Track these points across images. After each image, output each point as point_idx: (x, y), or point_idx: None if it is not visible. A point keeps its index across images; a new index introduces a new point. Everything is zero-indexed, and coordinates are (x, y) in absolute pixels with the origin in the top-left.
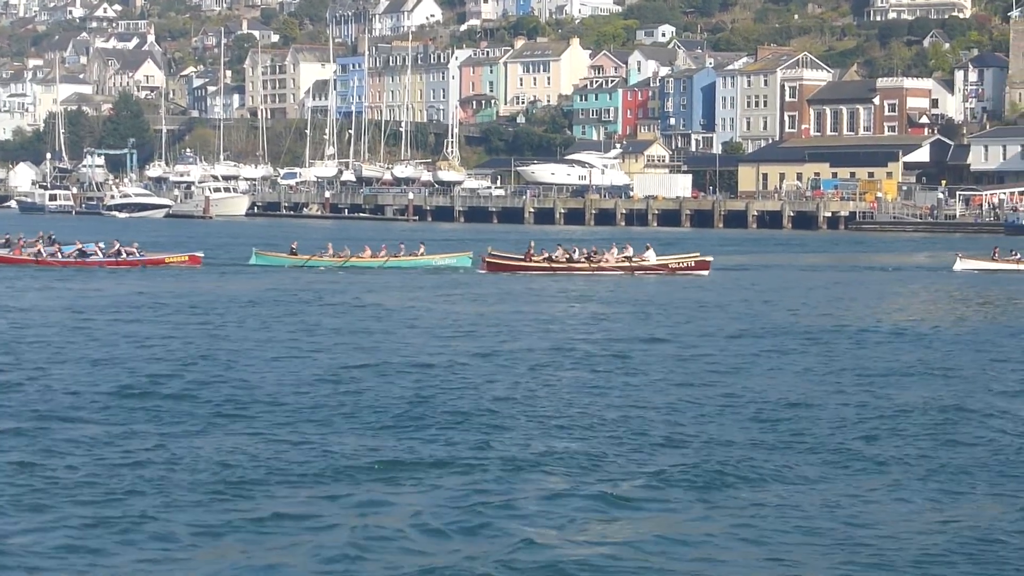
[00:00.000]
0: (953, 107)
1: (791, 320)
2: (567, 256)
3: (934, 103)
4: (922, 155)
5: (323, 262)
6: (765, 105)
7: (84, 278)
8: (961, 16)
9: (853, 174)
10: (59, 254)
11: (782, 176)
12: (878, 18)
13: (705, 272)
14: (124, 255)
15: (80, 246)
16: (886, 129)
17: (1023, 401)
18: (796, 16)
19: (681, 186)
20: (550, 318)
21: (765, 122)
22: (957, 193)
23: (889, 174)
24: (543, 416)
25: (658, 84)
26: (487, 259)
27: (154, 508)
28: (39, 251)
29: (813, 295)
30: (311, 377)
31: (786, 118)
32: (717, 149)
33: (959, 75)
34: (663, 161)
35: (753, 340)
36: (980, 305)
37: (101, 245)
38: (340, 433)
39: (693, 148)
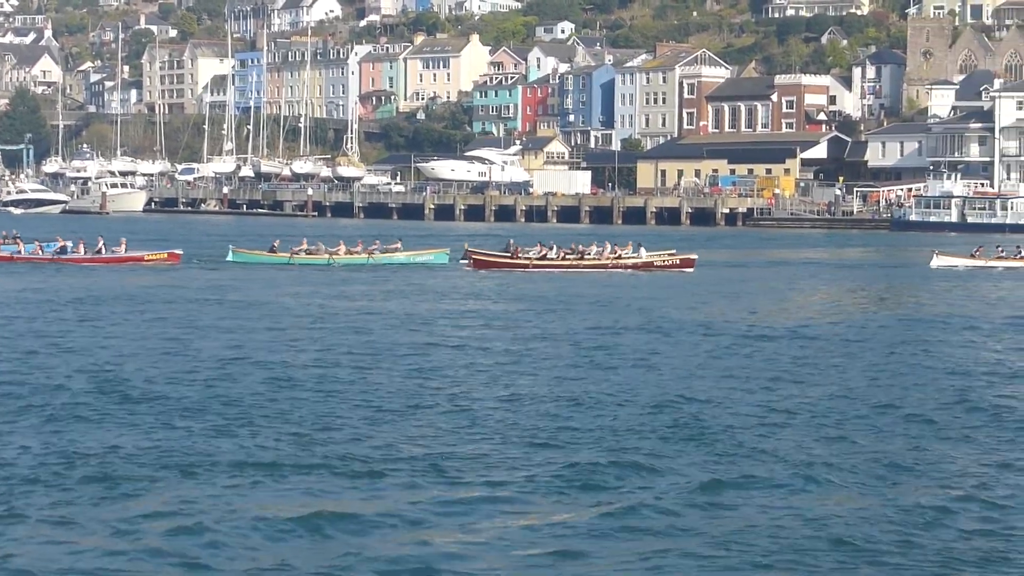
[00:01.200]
0: (851, 104)
1: (725, 317)
2: (560, 253)
3: (832, 100)
4: (820, 152)
5: (306, 260)
6: (664, 102)
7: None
8: (859, 13)
9: (751, 171)
10: (40, 251)
11: (680, 173)
12: (776, 15)
13: (690, 269)
14: (109, 252)
15: (62, 243)
16: (784, 126)
17: (914, 397)
18: (695, 13)
19: (580, 183)
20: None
21: (664, 119)
22: (854, 189)
23: (787, 171)
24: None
25: (557, 81)
26: (474, 256)
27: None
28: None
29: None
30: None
31: (685, 115)
32: (616, 146)
33: (857, 72)
34: (563, 158)
35: (671, 337)
36: (893, 299)
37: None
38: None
39: (592, 145)
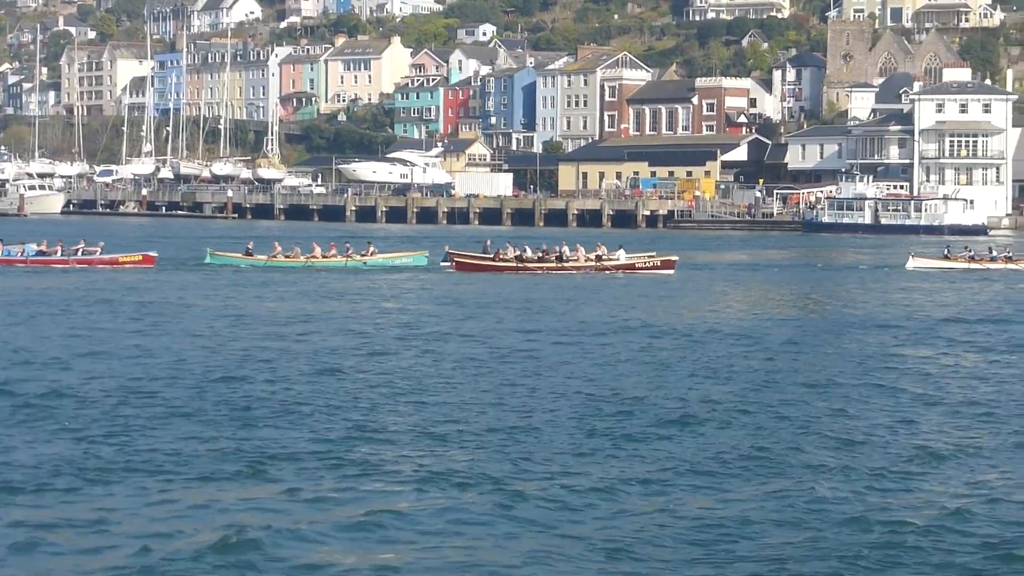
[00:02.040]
0: (771, 106)
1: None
2: (538, 255)
3: (752, 102)
4: (740, 154)
5: (284, 263)
6: (585, 104)
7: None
8: (779, 16)
9: (672, 173)
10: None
11: (602, 175)
12: (697, 18)
13: (671, 271)
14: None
15: (42, 246)
16: (704, 128)
17: (814, 396)
18: (616, 16)
19: (502, 185)
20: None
21: (585, 121)
22: (774, 192)
23: (707, 173)
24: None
25: (479, 83)
26: (456, 258)
27: None
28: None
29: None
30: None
31: (606, 117)
32: (538, 148)
33: (777, 75)
34: (484, 160)
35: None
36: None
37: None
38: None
39: (514, 147)
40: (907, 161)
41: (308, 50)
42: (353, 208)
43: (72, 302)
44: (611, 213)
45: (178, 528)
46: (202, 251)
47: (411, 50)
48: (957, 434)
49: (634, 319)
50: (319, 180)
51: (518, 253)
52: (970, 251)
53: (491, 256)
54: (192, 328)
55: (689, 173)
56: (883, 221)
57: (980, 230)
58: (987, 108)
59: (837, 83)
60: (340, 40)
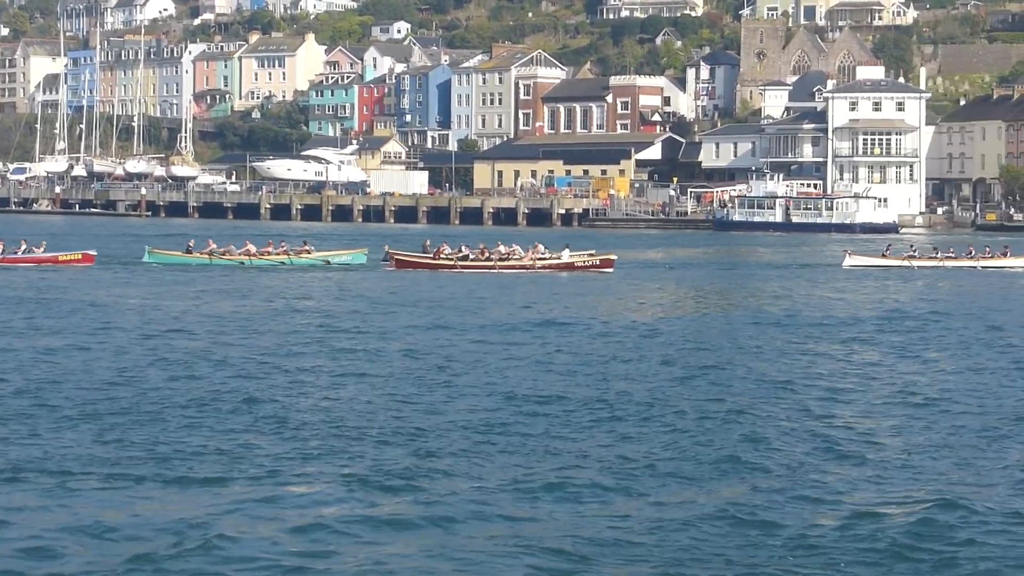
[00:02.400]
0: (685, 105)
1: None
2: (479, 254)
3: (666, 101)
4: (654, 152)
5: (223, 260)
6: (500, 103)
7: None
8: (693, 14)
9: (587, 171)
10: None
11: (517, 173)
12: (611, 16)
13: (610, 269)
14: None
15: None
16: (619, 127)
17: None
18: (530, 14)
19: (418, 183)
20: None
21: (500, 119)
22: (688, 190)
23: (622, 171)
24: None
25: (394, 81)
26: (396, 256)
27: None
28: None
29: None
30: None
31: (521, 115)
32: (453, 146)
33: (691, 73)
34: (400, 158)
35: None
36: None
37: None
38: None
39: (429, 145)
40: (821, 159)
41: (222, 47)
42: (268, 206)
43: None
44: (526, 211)
45: (75, 530)
46: (135, 249)
47: (325, 47)
48: (869, 430)
49: (563, 316)
50: (233, 178)
51: (463, 253)
52: (915, 250)
53: (431, 255)
54: (113, 326)
55: (604, 171)
56: (794, 219)
57: (891, 228)
58: (900, 106)
59: (751, 81)
60: (254, 37)
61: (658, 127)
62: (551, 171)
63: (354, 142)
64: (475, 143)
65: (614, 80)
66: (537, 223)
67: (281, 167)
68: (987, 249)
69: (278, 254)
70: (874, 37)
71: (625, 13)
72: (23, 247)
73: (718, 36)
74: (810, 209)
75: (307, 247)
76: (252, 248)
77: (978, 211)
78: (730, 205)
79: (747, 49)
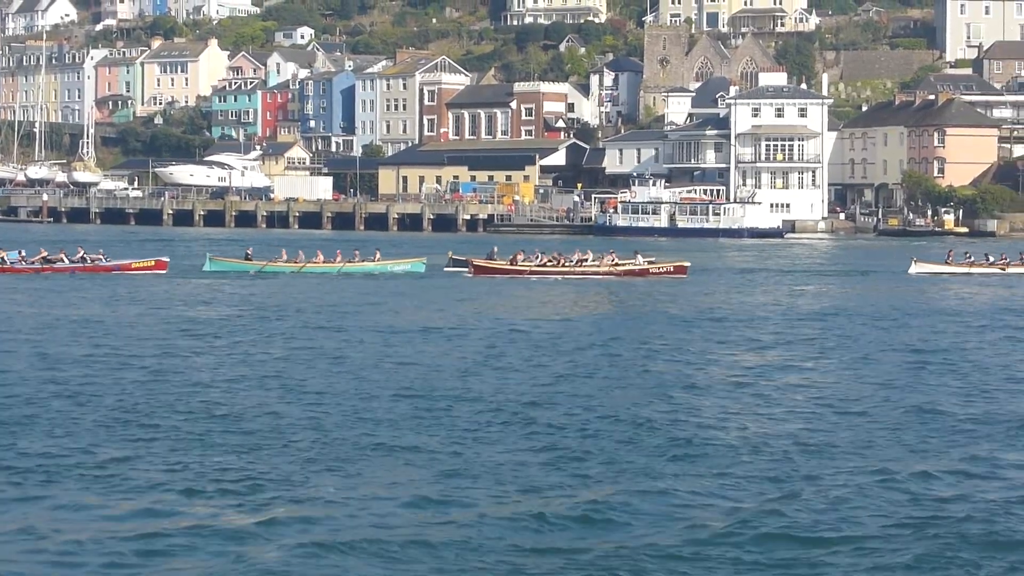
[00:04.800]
0: (589, 111)
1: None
2: (553, 261)
3: (570, 107)
4: (558, 158)
5: (281, 267)
6: (404, 108)
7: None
8: (596, 21)
9: (491, 177)
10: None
11: (422, 179)
12: (515, 22)
13: (684, 276)
14: (89, 261)
15: (44, 253)
16: (523, 133)
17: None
18: (434, 20)
19: (322, 188)
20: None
21: (404, 125)
22: (592, 196)
23: (526, 177)
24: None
25: (298, 86)
26: (475, 264)
27: None
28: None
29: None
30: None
31: (425, 121)
32: (357, 152)
33: (595, 79)
34: (304, 163)
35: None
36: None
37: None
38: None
39: (334, 150)
40: (724, 165)
41: (124, 53)
42: (170, 212)
43: None
44: (431, 217)
45: None
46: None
47: (228, 53)
48: (757, 426)
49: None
50: (136, 183)
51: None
52: (970, 256)
53: (508, 260)
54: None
55: (508, 177)
56: (680, 225)
57: (777, 233)
58: (803, 112)
59: (654, 88)
60: (156, 42)
61: (562, 133)
62: (456, 177)
63: (257, 148)
64: (380, 149)
65: (518, 86)
66: (442, 229)
67: (184, 173)
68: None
69: (351, 261)
70: (777, 43)
71: (529, 20)
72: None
73: (622, 43)
74: (696, 215)
75: (377, 255)
76: (321, 256)
77: (880, 216)
78: (612, 211)
79: (650, 55)
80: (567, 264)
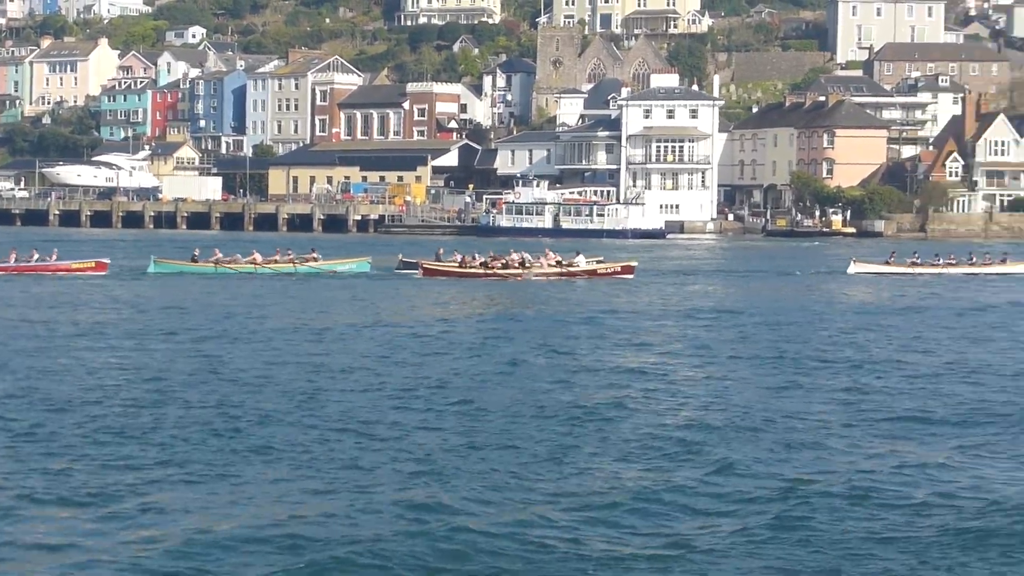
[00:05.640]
0: (481, 112)
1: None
2: (503, 262)
3: (463, 108)
4: (451, 159)
5: (233, 268)
6: (296, 108)
7: None
8: (490, 22)
9: (383, 178)
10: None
11: (313, 179)
12: (408, 23)
13: (631, 276)
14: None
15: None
16: (416, 133)
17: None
18: (327, 20)
19: (211, 188)
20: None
21: (296, 125)
22: (484, 197)
23: (418, 178)
24: None
25: (188, 86)
26: (425, 266)
27: None
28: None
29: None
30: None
31: (317, 121)
32: (248, 152)
33: (488, 80)
34: (193, 163)
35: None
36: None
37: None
38: None
39: (224, 150)
40: (615, 166)
41: (13, 52)
42: (56, 212)
43: None
44: (322, 218)
45: None
46: None
47: (119, 52)
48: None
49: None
50: (22, 184)
51: (483, 260)
52: (917, 256)
53: (457, 263)
54: None
55: (400, 178)
56: (564, 225)
57: (659, 234)
58: (694, 114)
59: (547, 89)
60: (46, 42)
61: (455, 134)
62: (347, 177)
63: (146, 147)
64: (271, 149)
65: (411, 87)
66: (333, 229)
67: (71, 173)
68: (987, 256)
69: (285, 262)
70: (669, 45)
71: (423, 20)
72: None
73: (515, 44)
74: (580, 215)
75: (314, 255)
76: (258, 257)
77: (768, 217)
78: (495, 211)
79: (543, 57)
80: (513, 266)
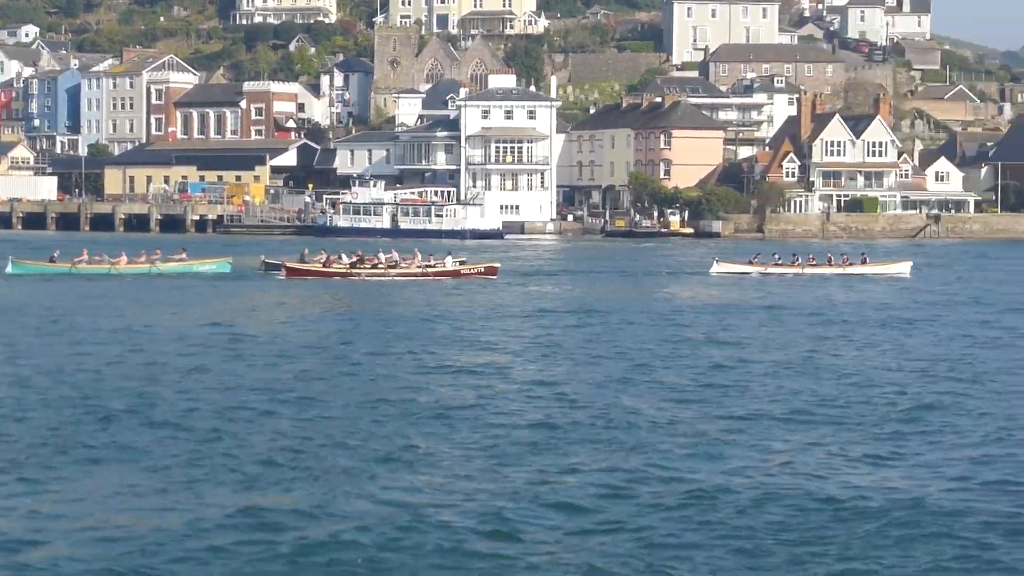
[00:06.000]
0: (320, 111)
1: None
2: (373, 263)
3: (301, 107)
4: (290, 159)
5: (89, 269)
6: (131, 107)
7: None
8: (327, 21)
9: (221, 177)
10: None
11: (149, 179)
12: (244, 21)
13: (494, 276)
14: None
15: None
16: (253, 133)
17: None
18: (162, 18)
19: (46, 188)
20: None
21: (132, 124)
22: (324, 196)
23: (257, 178)
24: None
25: (22, 85)
26: (288, 267)
27: None
28: None
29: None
30: None
31: (153, 121)
32: (83, 151)
33: (325, 80)
34: (28, 163)
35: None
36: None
37: None
38: None
39: (59, 150)
40: (454, 167)
41: None
42: None
43: None
44: (159, 218)
45: None
46: None
47: None
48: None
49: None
50: None
51: (352, 260)
52: (778, 257)
53: (322, 264)
54: None
55: (238, 178)
56: (402, 226)
57: (497, 234)
58: (532, 114)
59: (384, 89)
60: None
61: (293, 133)
62: (185, 177)
63: None
64: (106, 148)
65: (248, 86)
66: (171, 229)
67: None
68: (844, 257)
69: (143, 263)
70: (506, 46)
71: (258, 19)
72: None
73: (352, 43)
74: (419, 216)
75: (182, 254)
76: (124, 258)
77: (607, 218)
78: (332, 211)
79: (380, 57)
80: (379, 266)
